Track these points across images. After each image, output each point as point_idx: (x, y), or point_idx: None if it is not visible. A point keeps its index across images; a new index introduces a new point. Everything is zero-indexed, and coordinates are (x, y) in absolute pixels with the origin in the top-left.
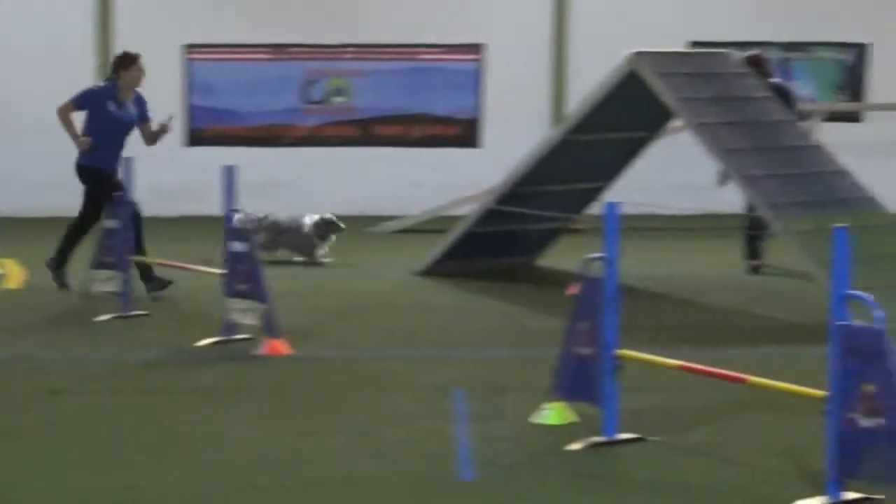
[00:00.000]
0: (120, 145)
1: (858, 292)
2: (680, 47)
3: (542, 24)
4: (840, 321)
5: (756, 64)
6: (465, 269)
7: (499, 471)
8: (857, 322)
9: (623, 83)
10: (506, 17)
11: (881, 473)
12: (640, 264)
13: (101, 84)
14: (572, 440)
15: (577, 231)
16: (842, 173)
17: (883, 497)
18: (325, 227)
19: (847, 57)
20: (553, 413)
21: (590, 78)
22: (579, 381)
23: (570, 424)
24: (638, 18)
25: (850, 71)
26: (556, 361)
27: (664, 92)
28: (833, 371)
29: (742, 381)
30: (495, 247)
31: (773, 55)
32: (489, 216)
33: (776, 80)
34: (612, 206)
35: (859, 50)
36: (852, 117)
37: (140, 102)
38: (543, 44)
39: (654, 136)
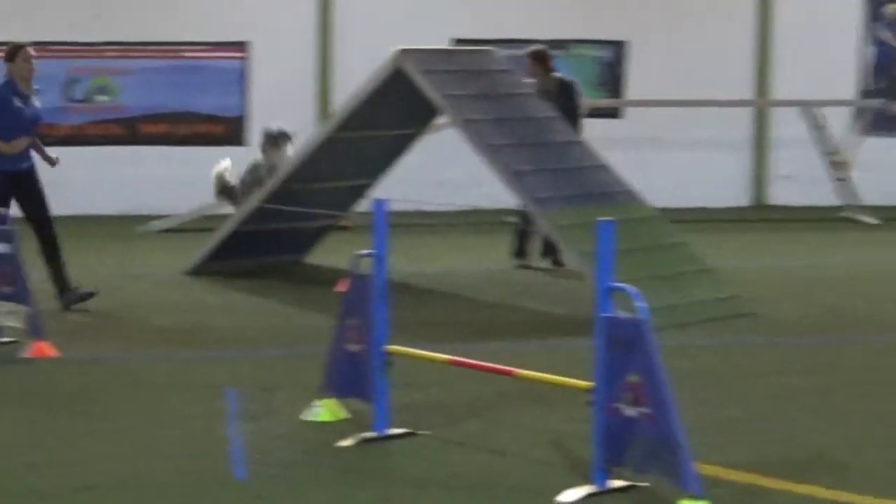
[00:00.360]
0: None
1: (622, 284)
2: (444, 45)
3: (308, 21)
4: (604, 313)
5: (540, 59)
6: (235, 268)
7: (271, 468)
8: (621, 313)
9: (388, 81)
10: (271, 14)
11: (645, 462)
12: (408, 261)
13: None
14: (343, 436)
15: (345, 228)
16: (603, 168)
17: (648, 485)
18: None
19: (606, 54)
20: (324, 410)
21: (356, 75)
22: (350, 377)
23: (342, 421)
24: (403, 16)
25: (609, 68)
26: (327, 358)
27: (429, 89)
28: (598, 362)
29: (509, 373)
30: (264, 245)
31: None
32: (257, 214)
33: (559, 74)
34: (379, 202)
35: (618, 48)
36: (612, 113)
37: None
38: (309, 41)
39: (420, 132)
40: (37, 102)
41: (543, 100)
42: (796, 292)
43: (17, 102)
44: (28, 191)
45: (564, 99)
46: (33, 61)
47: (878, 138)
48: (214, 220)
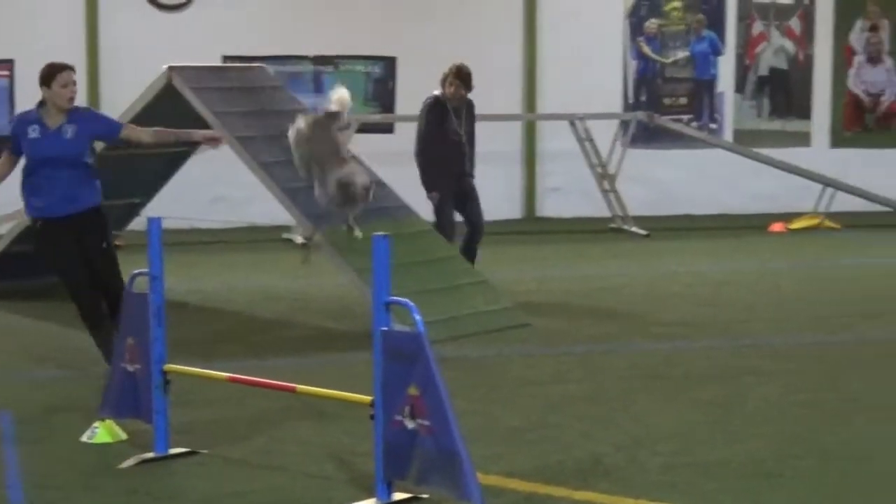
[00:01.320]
0: (55, 184)
1: (398, 298)
2: (215, 62)
3: (74, 38)
4: (381, 327)
5: (464, 77)
6: (8, 289)
7: (50, 492)
8: (399, 326)
9: (160, 97)
10: (37, 33)
11: (427, 474)
12: (185, 279)
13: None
14: (124, 458)
15: (118, 247)
16: (379, 183)
17: (427, 496)
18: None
19: (376, 70)
20: (102, 431)
21: (125, 93)
22: (128, 397)
23: (121, 442)
24: (173, 33)
25: (379, 84)
26: (105, 379)
27: (199, 106)
28: (377, 375)
29: (291, 389)
30: (34, 266)
31: (304, 69)
32: (26, 234)
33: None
34: (154, 220)
35: (388, 63)
36: (385, 128)
37: (89, 120)
38: (78, 59)
39: (193, 150)
40: (68, 133)
41: (455, 117)
42: (569, 302)
43: (33, 133)
44: (85, 243)
45: (470, 118)
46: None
47: (643, 150)
48: None
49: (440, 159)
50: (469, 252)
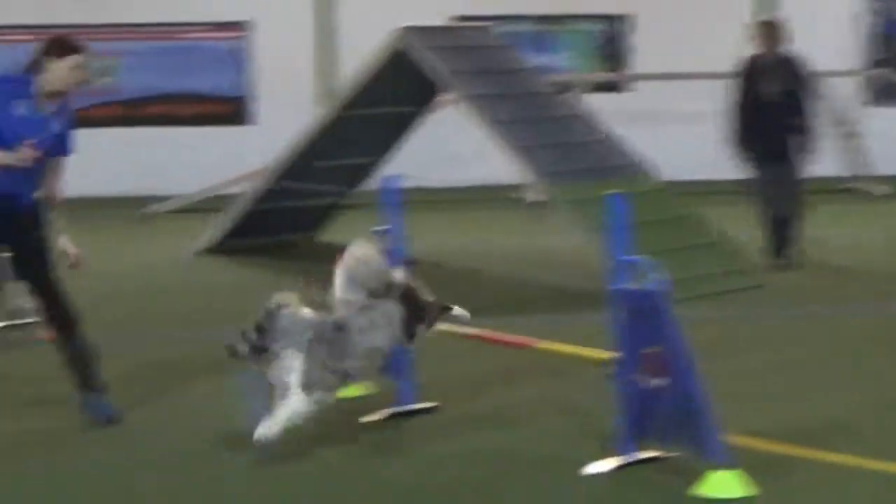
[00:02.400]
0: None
1: (636, 256)
2: (443, 22)
3: (307, 2)
4: (620, 285)
5: (771, 31)
6: (245, 247)
7: (297, 444)
8: (637, 285)
9: (392, 58)
10: None
11: (669, 433)
12: (418, 238)
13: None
14: (369, 411)
15: (354, 206)
16: (610, 141)
17: (676, 455)
18: None
19: (603, 29)
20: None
21: (356, 54)
22: None
23: (368, 396)
24: None
25: (608, 42)
26: None
27: (434, 66)
28: (617, 334)
29: (530, 347)
30: (274, 224)
31: (529, 28)
32: (266, 193)
33: (783, 49)
34: (390, 179)
35: (618, 21)
36: (614, 87)
37: (68, 124)
38: (309, 20)
39: (425, 109)
40: (56, 126)
41: (764, 75)
42: (805, 262)
43: (21, 109)
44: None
45: (789, 75)
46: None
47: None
48: (218, 200)
49: (750, 120)
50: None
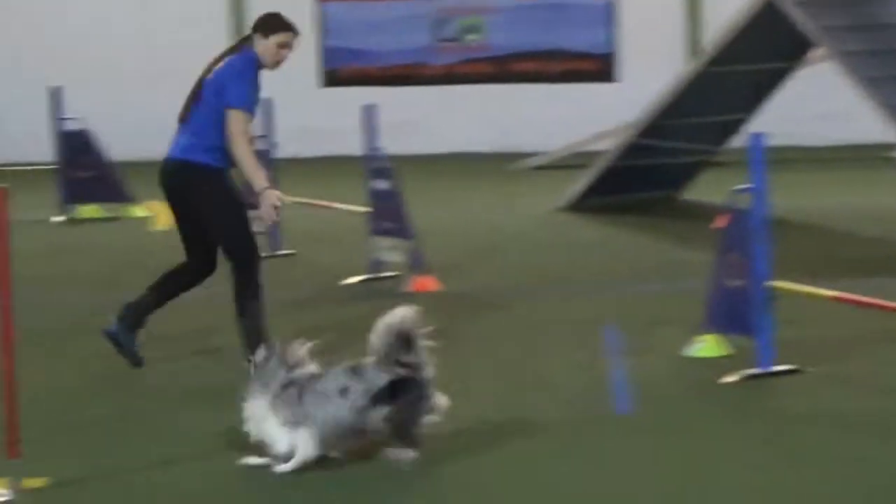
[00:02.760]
0: None
1: None
2: None
3: None
4: None
5: None
6: (608, 204)
7: (655, 404)
8: None
9: (760, 13)
10: None
11: None
12: (786, 196)
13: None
14: (727, 373)
15: (719, 164)
16: None
17: None
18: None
19: None
20: (706, 346)
21: (726, 9)
22: (731, 313)
23: (725, 357)
24: None
25: None
26: (707, 294)
27: (804, 21)
28: None
29: None
30: (637, 181)
31: None
32: (630, 150)
33: None
34: (757, 136)
35: None
36: None
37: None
38: None
39: (794, 66)
40: None
41: None
42: None
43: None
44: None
45: None
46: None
47: None
48: (586, 156)
49: None
50: None
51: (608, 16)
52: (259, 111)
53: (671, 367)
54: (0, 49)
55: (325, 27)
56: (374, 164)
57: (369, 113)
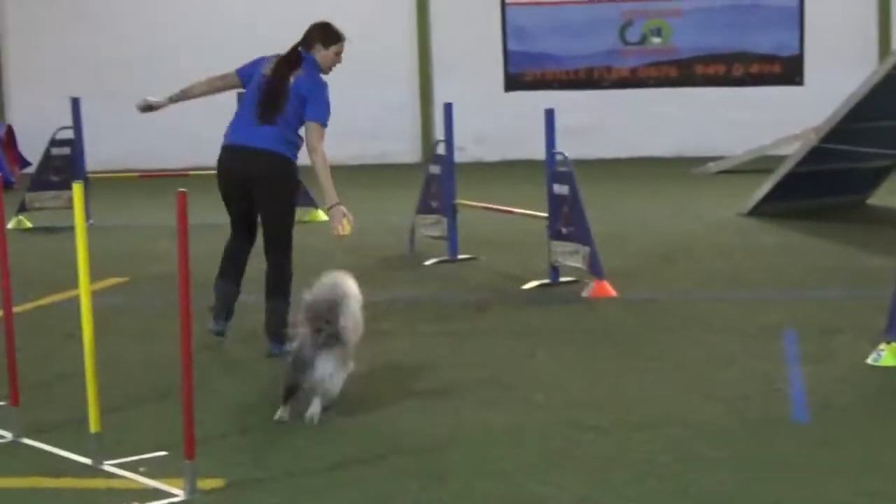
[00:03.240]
0: None
1: None
2: None
3: None
4: None
5: None
6: (792, 209)
7: (833, 412)
8: None
9: None
10: None
11: None
12: None
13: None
14: None
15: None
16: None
17: None
18: None
19: None
20: (888, 354)
21: None
22: None
23: None
24: None
25: None
26: (891, 301)
27: None
28: None
29: None
30: (822, 186)
31: None
32: (815, 155)
33: None
34: None
35: None
36: None
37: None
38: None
39: None
40: None
41: None
42: None
43: None
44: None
45: None
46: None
47: None
48: (770, 161)
49: None
50: None
51: (795, 17)
52: (441, 115)
53: (850, 375)
54: (193, 58)
55: (509, 31)
56: (554, 169)
57: (549, 117)
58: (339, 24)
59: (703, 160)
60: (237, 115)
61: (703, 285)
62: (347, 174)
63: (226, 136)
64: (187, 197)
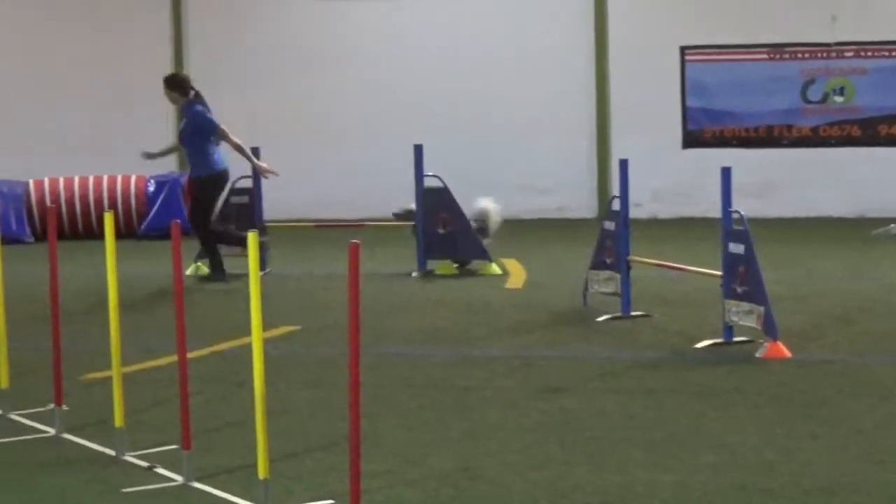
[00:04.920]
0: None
1: None
2: None
3: None
4: None
5: None
6: None
7: None
8: None
9: None
10: None
11: None
12: None
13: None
14: None
15: None
16: None
17: None
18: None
19: None
20: None
21: None
22: None
23: None
24: None
25: None
26: None
27: None
28: None
29: None
30: None
31: None
32: None
33: None
34: None
35: None
36: None
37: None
38: None
39: None
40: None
41: None
42: None
43: None
44: None
45: None
46: None
47: None
48: None
49: None
50: None
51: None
52: (616, 171)
53: None
54: (367, 108)
55: (689, 87)
56: (729, 227)
57: (726, 175)
58: (519, 80)
59: (885, 221)
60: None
61: (880, 348)
62: (523, 227)
63: (221, 162)
64: (360, 248)
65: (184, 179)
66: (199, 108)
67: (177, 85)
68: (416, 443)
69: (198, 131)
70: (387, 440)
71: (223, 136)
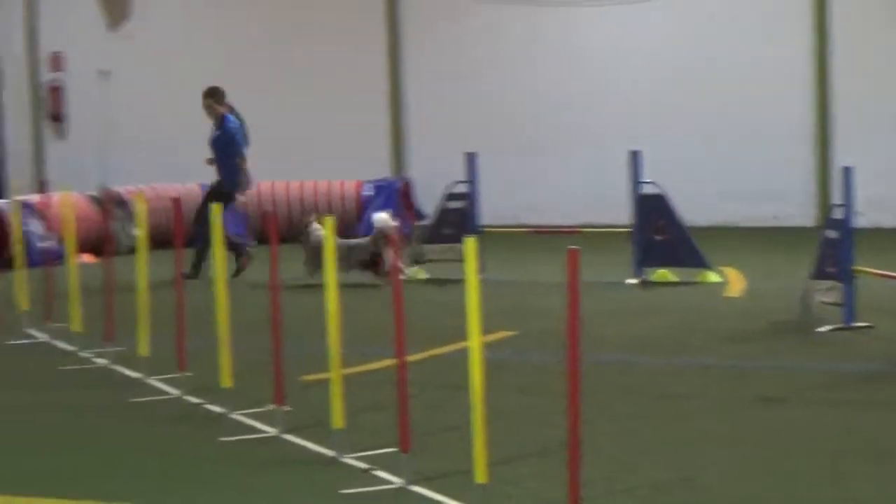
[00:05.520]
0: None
1: None
2: None
3: None
4: None
5: None
6: None
7: None
8: None
9: None
10: None
11: None
12: None
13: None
14: None
15: None
16: None
17: None
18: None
19: None
20: None
21: None
22: None
23: None
24: None
25: None
26: None
27: None
28: None
29: None
30: None
31: None
32: None
33: None
34: None
35: None
36: None
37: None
38: None
39: None
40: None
41: None
42: None
43: None
44: None
45: None
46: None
47: None
48: None
49: None
50: None
51: None
52: (838, 180)
53: None
54: (589, 115)
55: None
56: None
57: None
58: (739, 87)
59: None
60: None
61: None
62: (739, 235)
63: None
64: (579, 254)
65: (400, 184)
66: (232, 125)
67: (211, 94)
68: (631, 450)
69: (227, 145)
70: (603, 447)
71: (241, 162)
